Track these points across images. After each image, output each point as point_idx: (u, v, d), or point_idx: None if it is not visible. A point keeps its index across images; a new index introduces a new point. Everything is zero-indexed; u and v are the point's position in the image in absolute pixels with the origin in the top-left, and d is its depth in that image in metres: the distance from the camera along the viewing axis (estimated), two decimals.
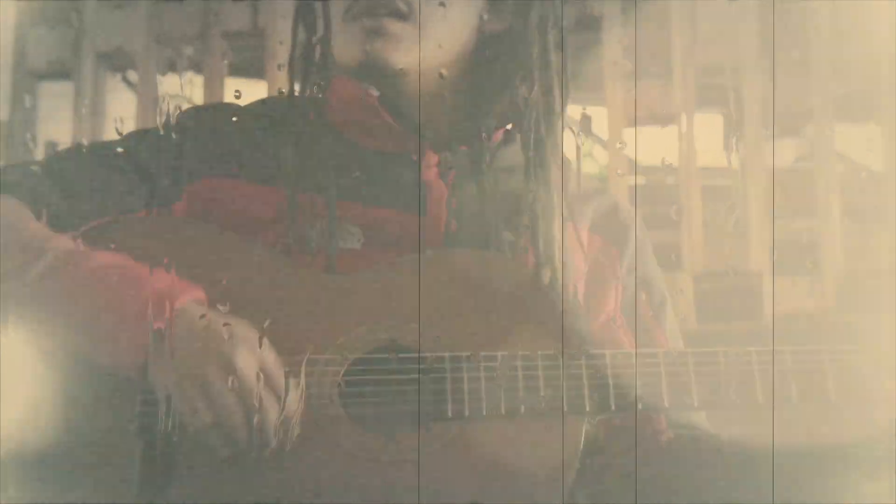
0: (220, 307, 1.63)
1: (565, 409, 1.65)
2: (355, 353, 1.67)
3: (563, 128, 1.84)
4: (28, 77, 3.67)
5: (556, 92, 1.83)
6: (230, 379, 1.55)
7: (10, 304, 1.64)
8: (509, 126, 1.87)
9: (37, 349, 1.64)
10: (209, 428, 1.57)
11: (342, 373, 1.67)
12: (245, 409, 1.56)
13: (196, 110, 1.94)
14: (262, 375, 1.57)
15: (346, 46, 1.81)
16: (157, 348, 1.57)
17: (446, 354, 1.66)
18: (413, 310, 1.70)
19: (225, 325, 1.59)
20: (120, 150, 1.84)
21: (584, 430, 1.65)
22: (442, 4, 1.78)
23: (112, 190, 1.80)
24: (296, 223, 1.78)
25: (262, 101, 1.98)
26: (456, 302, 1.72)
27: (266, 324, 1.63)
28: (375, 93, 1.81)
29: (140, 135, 1.88)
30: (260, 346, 1.59)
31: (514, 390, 1.65)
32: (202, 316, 1.60)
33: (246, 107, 1.94)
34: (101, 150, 1.86)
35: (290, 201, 1.79)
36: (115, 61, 4.50)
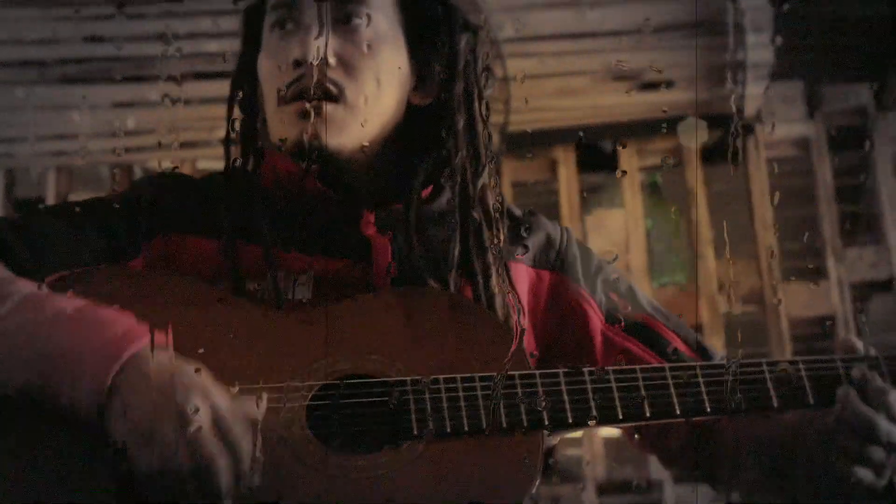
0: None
1: (525, 424, 1.72)
2: (321, 381, 1.74)
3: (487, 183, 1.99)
4: None
5: (482, 152, 1.98)
6: (182, 426, 1.54)
7: None
8: (442, 181, 2.01)
9: None
10: (156, 475, 1.54)
11: (309, 397, 1.72)
12: (195, 459, 1.53)
13: (149, 178, 2.05)
14: (217, 423, 1.57)
15: (280, 127, 1.94)
16: (114, 393, 1.57)
17: (408, 378, 1.73)
18: (369, 343, 1.79)
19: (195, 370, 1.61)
20: (80, 209, 1.92)
21: (542, 444, 1.72)
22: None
23: (74, 245, 1.87)
24: (238, 275, 1.87)
25: (207, 176, 2.09)
26: (410, 334, 1.81)
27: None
28: (306, 165, 1.91)
29: (99, 199, 1.97)
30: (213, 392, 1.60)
31: (476, 409, 1.72)
32: (161, 360, 1.61)
33: (193, 178, 2.06)
34: (64, 209, 1.93)
35: (227, 253, 1.88)
36: None
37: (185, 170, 4.81)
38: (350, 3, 1.95)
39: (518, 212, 2.09)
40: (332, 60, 1.91)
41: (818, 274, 5.03)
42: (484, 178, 1.97)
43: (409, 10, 2.01)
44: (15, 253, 1.80)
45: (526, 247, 2.04)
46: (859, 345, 1.85)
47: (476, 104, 1.99)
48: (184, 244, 1.92)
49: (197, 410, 1.55)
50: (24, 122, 4.91)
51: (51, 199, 5.00)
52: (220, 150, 4.12)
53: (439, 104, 2.00)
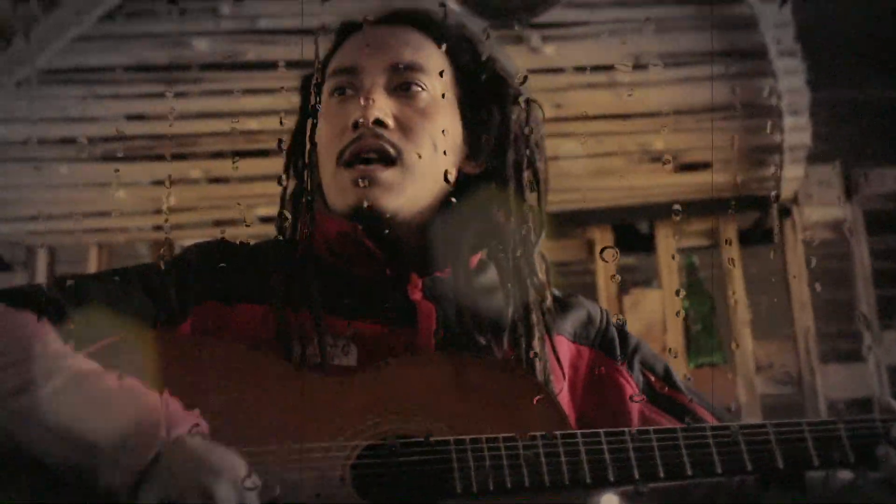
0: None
1: (567, 483, 1.73)
2: (366, 441, 1.75)
3: (537, 253, 2.02)
4: None
5: (530, 221, 2.01)
6: None
7: (21, 418, 1.69)
8: (483, 252, 2.04)
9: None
10: None
11: (354, 457, 1.73)
12: None
13: (198, 246, 2.07)
14: None
15: (337, 190, 1.98)
16: (149, 475, 1.61)
17: (451, 438, 1.75)
18: (413, 405, 1.80)
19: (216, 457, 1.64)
20: (129, 275, 1.95)
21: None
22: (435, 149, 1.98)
23: (123, 310, 1.90)
24: (288, 341, 1.89)
25: (255, 243, 2.11)
26: (454, 396, 1.83)
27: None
28: (360, 226, 1.96)
29: (150, 266, 2.00)
30: (244, 482, 1.62)
31: (518, 467, 1.73)
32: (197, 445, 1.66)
33: (242, 245, 2.08)
34: (114, 275, 1.96)
35: (279, 321, 1.91)
36: None
37: None
38: (409, 70, 2.00)
39: (558, 292, 2.12)
40: (390, 122, 1.95)
41: (855, 356, 5.02)
42: (532, 246, 2.00)
43: (465, 80, 2.05)
44: (66, 315, 1.82)
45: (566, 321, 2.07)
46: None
47: (525, 174, 2.02)
48: (231, 310, 1.94)
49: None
50: (66, 199, 4.96)
51: None
52: (259, 229, 4.16)
53: (490, 173, 2.03)
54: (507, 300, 1.97)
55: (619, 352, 2.08)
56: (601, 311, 2.15)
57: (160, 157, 4.80)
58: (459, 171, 2.04)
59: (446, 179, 1.99)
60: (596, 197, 4.95)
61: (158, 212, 5.01)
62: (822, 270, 5.09)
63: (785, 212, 5.05)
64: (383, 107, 1.96)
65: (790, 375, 4.84)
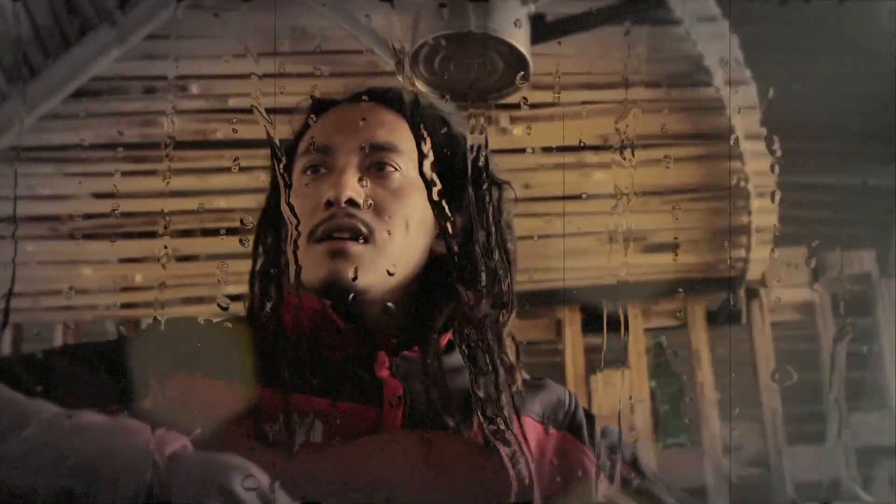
0: None
1: None
2: None
3: (507, 337, 2.01)
4: None
5: (500, 302, 2.00)
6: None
7: (8, 462, 1.66)
8: (451, 332, 2.03)
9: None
10: None
11: None
12: None
13: (165, 321, 2.05)
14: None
15: (310, 264, 1.96)
16: (161, 486, 1.59)
17: None
18: (379, 483, 1.79)
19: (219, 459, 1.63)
20: (94, 350, 1.93)
21: None
22: (407, 228, 1.97)
23: (86, 385, 1.88)
24: (255, 417, 1.87)
25: (221, 320, 2.09)
26: (420, 475, 1.81)
27: None
28: (328, 302, 1.95)
29: (112, 341, 1.98)
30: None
31: None
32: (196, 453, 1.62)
33: (207, 321, 2.06)
34: (77, 350, 1.94)
35: (246, 397, 1.89)
36: None
37: None
38: (384, 151, 1.99)
39: (527, 375, 2.11)
40: (362, 203, 1.94)
41: (822, 438, 5.03)
42: (502, 326, 1.99)
43: (438, 160, 2.05)
44: (27, 389, 1.80)
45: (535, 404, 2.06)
46: (861, 493, 1.86)
47: (497, 254, 2.02)
48: (197, 385, 1.93)
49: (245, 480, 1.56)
50: (32, 277, 4.94)
51: None
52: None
53: (461, 254, 2.03)
54: (476, 381, 1.96)
55: (586, 435, 2.07)
56: (570, 394, 2.14)
57: (128, 235, 4.80)
58: (431, 251, 2.03)
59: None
60: (564, 276, 4.96)
61: (125, 290, 4.99)
62: (790, 352, 5.11)
63: (752, 293, 5.07)
64: (356, 187, 1.96)
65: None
